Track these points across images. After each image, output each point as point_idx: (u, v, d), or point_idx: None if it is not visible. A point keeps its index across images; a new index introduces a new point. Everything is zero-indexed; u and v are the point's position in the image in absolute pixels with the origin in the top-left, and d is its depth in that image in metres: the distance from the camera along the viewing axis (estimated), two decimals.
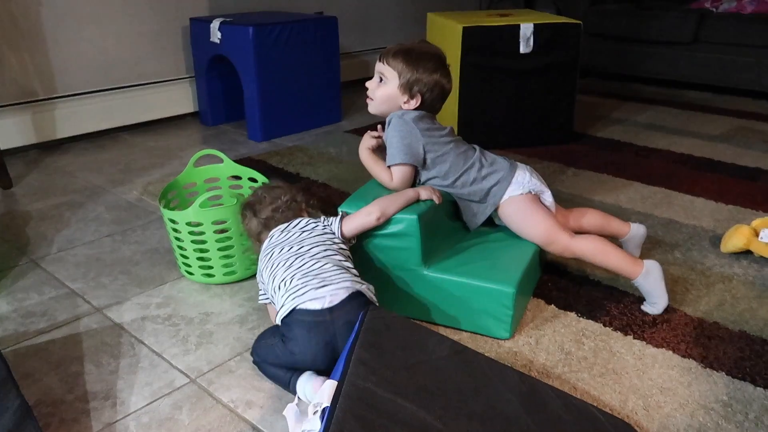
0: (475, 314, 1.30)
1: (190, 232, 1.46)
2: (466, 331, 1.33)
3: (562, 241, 1.40)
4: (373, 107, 1.48)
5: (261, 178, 1.65)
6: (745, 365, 1.22)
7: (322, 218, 1.34)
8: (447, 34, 2.45)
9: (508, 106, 2.45)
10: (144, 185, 2.15)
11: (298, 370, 1.13)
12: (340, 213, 1.33)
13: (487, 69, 2.37)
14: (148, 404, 1.13)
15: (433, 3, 3.98)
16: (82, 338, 1.32)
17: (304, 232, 1.29)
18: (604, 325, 1.35)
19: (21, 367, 1.22)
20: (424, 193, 1.36)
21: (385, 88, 1.43)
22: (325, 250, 1.22)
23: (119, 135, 2.73)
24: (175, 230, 1.48)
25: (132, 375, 1.21)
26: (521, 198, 1.41)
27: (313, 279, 1.14)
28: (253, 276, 1.55)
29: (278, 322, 1.16)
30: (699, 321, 1.36)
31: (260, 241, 1.36)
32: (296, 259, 1.21)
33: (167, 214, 1.47)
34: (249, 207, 1.39)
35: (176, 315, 1.41)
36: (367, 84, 1.48)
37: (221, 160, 1.70)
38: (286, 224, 1.32)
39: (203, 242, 1.47)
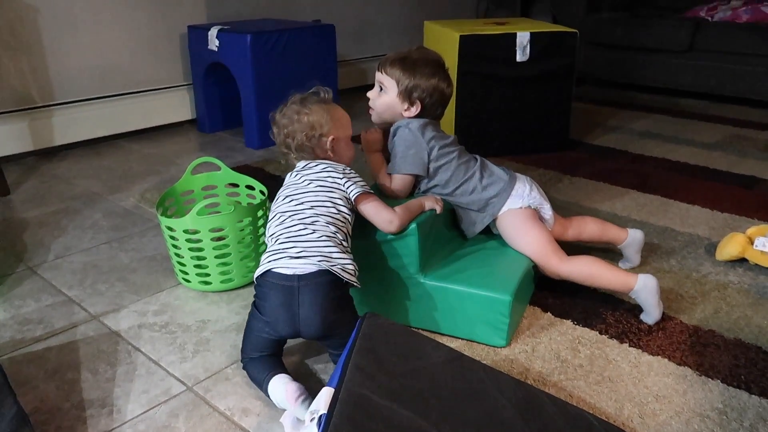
0: (471, 322, 1.31)
1: (188, 240, 1.46)
2: (462, 338, 1.34)
3: (552, 265, 1.41)
4: (376, 116, 1.49)
5: (258, 186, 1.66)
6: (740, 373, 1.22)
7: (344, 172, 1.28)
8: (444, 42, 2.46)
9: (504, 114, 2.46)
10: (141, 192, 2.16)
11: (274, 371, 1.13)
12: (362, 189, 1.27)
13: (484, 77, 2.38)
14: (144, 412, 1.13)
15: (430, 11, 4.00)
16: (78, 346, 1.32)
17: (314, 183, 1.26)
18: (600, 333, 1.35)
19: (18, 375, 1.22)
20: (428, 203, 1.36)
21: (385, 97, 1.44)
22: (321, 215, 1.21)
23: (117, 142, 2.74)
24: (173, 238, 1.48)
25: (129, 383, 1.20)
26: (519, 212, 1.42)
27: (293, 246, 1.16)
28: (250, 283, 1.55)
29: (254, 279, 1.20)
30: (695, 329, 1.37)
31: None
32: (289, 218, 1.21)
33: (164, 221, 1.47)
34: (278, 126, 1.35)
35: (173, 322, 1.41)
36: (368, 94, 1.49)
37: (219, 168, 1.71)
38: (303, 164, 1.31)
39: (200, 249, 1.47)
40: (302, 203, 1.23)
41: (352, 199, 1.26)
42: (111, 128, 2.71)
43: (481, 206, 1.43)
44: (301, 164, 1.32)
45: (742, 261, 1.65)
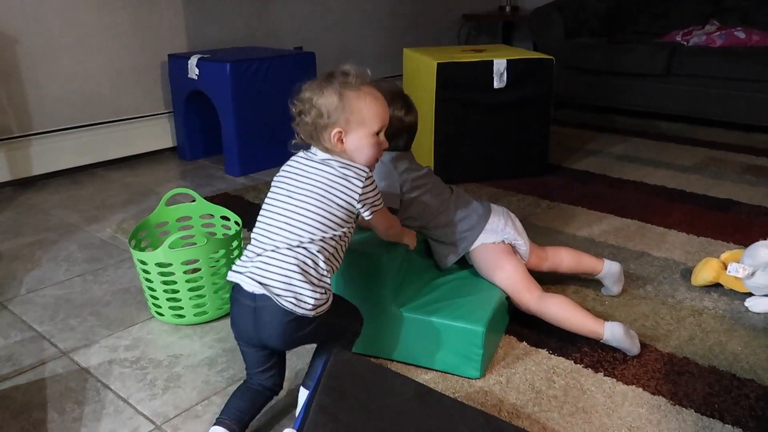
0: (445, 353, 1.30)
1: (160, 273, 1.45)
2: (437, 370, 1.33)
3: (524, 302, 1.41)
4: None
5: (234, 217, 1.65)
6: (713, 402, 1.22)
7: (362, 192, 1.12)
8: (422, 69, 2.48)
9: (483, 140, 2.48)
10: (119, 222, 2.14)
11: (221, 417, 1.10)
12: (375, 210, 1.16)
13: (462, 103, 2.40)
14: None
15: (411, 38, 4.05)
16: (46, 384, 1.30)
17: (324, 191, 1.10)
18: (575, 362, 1.35)
19: None
20: (405, 238, 1.34)
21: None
22: (312, 238, 1.08)
23: (96, 171, 2.72)
24: (145, 271, 1.46)
25: (96, 422, 1.18)
26: (493, 247, 1.42)
27: (261, 265, 1.07)
28: (224, 316, 1.54)
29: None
30: (669, 356, 1.37)
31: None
32: (275, 228, 1.10)
33: (136, 254, 1.46)
34: (299, 100, 1.16)
35: (144, 358, 1.39)
36: None
37: (194, 199, 1.70)
38: (323, 157, 1.14)
39: (173, 283, 1.45)
40: (300, 214, 1.10)
41: (367, 216, 1.16)
42: (90, 157, 2.69)
43: (454, 240, 1.42)
44: (317, 154, 1.16)
45: (717, 286, 1.66)
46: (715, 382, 1.28)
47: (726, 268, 1.60)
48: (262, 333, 1.09)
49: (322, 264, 1.09)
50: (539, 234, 1.98)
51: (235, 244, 1.52)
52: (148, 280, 1.47)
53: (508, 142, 2.50)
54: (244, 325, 1.10)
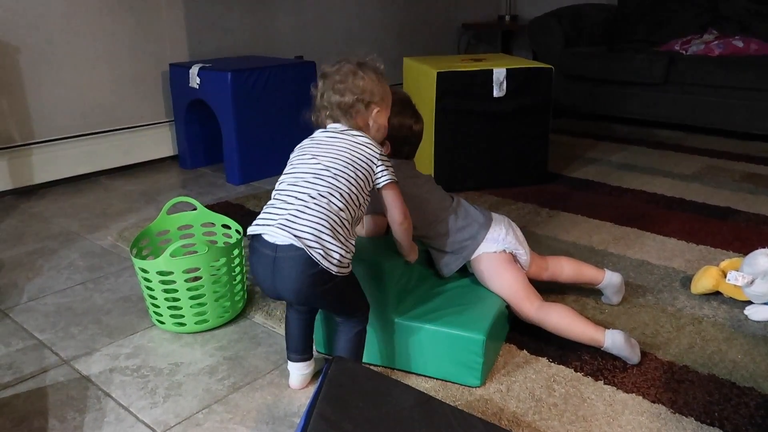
0: (445, 362, 1.30)
1: (161, 281, 1.45)
2: (437, 378, 1.33)
3: (524, 311, 1.41)
4: None
5: (234, 225, 1.66)
6: (713, 410, 1.22)
7: (380, 156, 1.21)
8: (422, 78, 2.50)
9: (482, 149, 2.49)
10: (119, 231, 2.15)
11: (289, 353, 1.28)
12: (392, 179, 1.22)
13: (462, 112, 2.41)
14: None
15: (411, 47, 4.07)
16: (47, 392, 1.30)
17: (348, 152, 1.19)
18: (575, 371, 1.35)
19: None
20: (409, 252, 1.36)
21: None
22: (337, 189, 1.14)
23: (98, 179, 2.73)
24: (146, 279, 1.47)
25: (96, 430, 1.18)
26: (494, 256, 1.42)
27: (286, 215, 1.13)
28: (225, 324, 1.54)
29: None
30: (669, 365, 1.37)
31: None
32: (304, 181, 1.16)
33: (138, 263, 1.47)
34: (328, 79, 1.27)
35: (145, 366, 1.39)
36: None
37: (195, 207, 1.71)
38: (341, 128, 1.24)
39: (174, 291, 1.46)
40: (326, 168, 1.17)
41: (379, 185, 1.22)
42: (92, 166, 2.71)
43: (455, 249, 1.43)
44: (337, 126, 1.25)
45: (716, 294, 1.66)
46: (715, 391, 1.28)
47: (725, 277, 1.60)
48: (279, 284, 1.14)
49: (347, 224, 1.15)
50: (539, 242, 1.99)
51: (236, 252, 1.52)
52: (149, 288, 1.48)
53: (507, 151, 2.52)
54: (262, 274, 1.15)
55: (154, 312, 1.52)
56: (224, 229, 1.71)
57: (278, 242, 1.12)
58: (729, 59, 3.31)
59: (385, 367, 1.36)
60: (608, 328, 1.38)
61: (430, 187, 1.47)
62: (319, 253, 1.10)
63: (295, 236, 1.10)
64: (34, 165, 2.53)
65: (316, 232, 1.11)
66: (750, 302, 1.60)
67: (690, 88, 3.36)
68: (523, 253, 1.47)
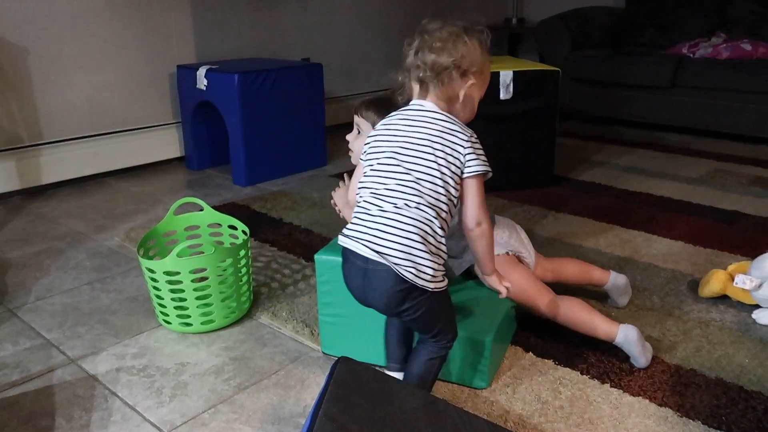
0: (452, 363, 1.30)
1: (168, 282, 1.46)
2: (443, 380, 1.33)
3: (537, 306, 1.41)
4: (355, 158, 1.50)
5: (241, 226, 1.66)
6: (720, 414, 1.22)
7: (470, 139, 1.09)
8: None
9: (489, 151, 2.44)
10: (126, 231, 2.15)
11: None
12: (484, 169, 1.10)
13: None
14: None
15: None
16: (54, 391, 1.30)
17: (432, 143, 1.07)
18: (582, 373, 1.35)
19: None
20: (498, 282, 1.22)
21: (362, 139, 1.45)
22: (424, 194, 1.05)
23: (105, 180, 2.75)
24: (153, 279, 1.47)
25: (103, 429, 1.19)
26: (498, 259, 1.42)
27: (375, 232, 1.05)
28: (231, 325, 1.55)
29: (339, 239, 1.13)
30: (676, 368, 1.36)
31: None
32: (385, 189, 1.07)
33: (145, 263, 1.47)
34: (422, 39, 1.12)
35: (152, 365, 1.39)
36: (347, 137, 1.51)
37: (201, 208, 1.71)
38: (419, 104, 1.12)
39: (181, 291, 1.46)
40: (408, 172, 1.06)
41: (467, 174, 1.09)
42: (99, 167, 2.72)
43: (458, 252, 1.43)
44: (422, 105, 1.12)
45: (724, 298, 1.65)
46: (722, 394, 1.28)
47: (733, 280, 1.59)
48: (369, 293, 1.09)
49: (438, 231, 1.06)
50: (545, 245, 1.99)
51: (242, 253, 1.53)
52: (156, 288, 1.48)
53: (514, 154, 2.51)
54: (354, 282, 1.11)
55: (161, 312, 1.52)
56: (231, 230, 1.71)
57: (369, 256, 1.05)
58: (737, 63, 3.30)
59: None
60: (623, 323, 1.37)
61: None
62: (410, 271, 1.03)
63: (383, 254, 1.04)
64: (42, 166, 2.54)
65: (405, 248, 1.03)
66: (758, 306, 1.59)
67: (697, 91, 3.35)
68: (527, 254, 1.47)
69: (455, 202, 1.10)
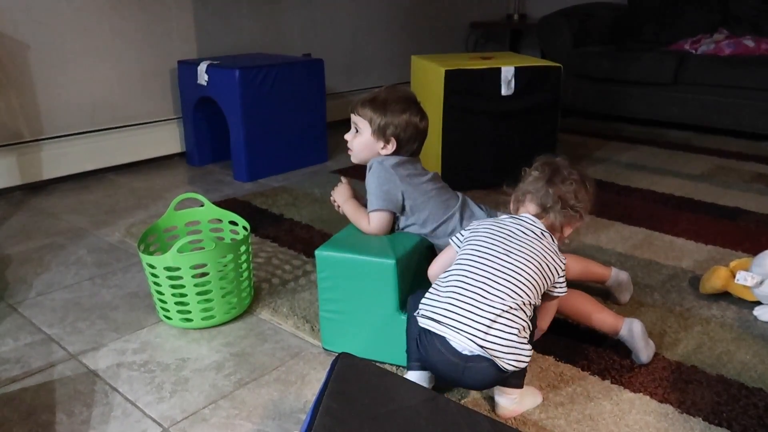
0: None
1: (169, 277, 1.45)
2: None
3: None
4: (354, 157, 1.50)
5: (242, 222, 1.66)
6: (722, 410, 1.22)
7: (562, 267, 1.22)
8: (430, 76, 2.49)
9: (491, 147, 2.48)
10: (127, 227, 2.15)
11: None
12: (564, 293, 1.24)
13: (470, 111, 2.40)
14: None
15: (419, 44, 4.06)
16: (55, 386, 1.30)
17: (538, 257, 1.17)
18: (582, 369, 1.34)
19: None
20: None
21: (361, 138, 1.46)
22: (524, 304, 1.13)
23: (105, 176, 2.74)
24: (154, 275, 1.47)
25: (104, 424, 1.19)
26: None
27: (474, 322, 1.09)
28: (232, 320, 1.55)
29: (418, 316, 1.15)
30: (677, 365, 1.36)
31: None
32: (493, 276, 1.13)
33: (145, 258, 1.47)
34: (557, 171, 1.29)
35: (152, 361, 1.39)
36: (346, 136, 1.50)
37: (202, 204, 1.71)
38: (530, 218, 1.24)
39: (181, 287, 1.46)
40: (514, 275, 1.14)
41: (553, 293, 1.23)
42: (100, 162, 2.72)
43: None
44: (534, 221, 1.25)
45: (725, 295, 1.65)
46: (723, 391, 1.27)
47: (734, 277, 1.59)
48: (467, 383, 1.14)
49: (530, 322, 1.14)
50: None
51: (243, 248, 1.53)
52: (156, 284, 1.48)
53: (515, 150, 2.50)
54: (446, 372, 1.13)
55: (161, 308, 1.52)
56: (231, 225, 1.71)
57: (466, 352, 1.09)
58: (739, 59, 3.29)
59: (391, 365, 1.36)
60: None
61: (436, 185, 1.46)
62: (511, 364, 1.10)
63: (483, 347, 1.08)
64: (43, 161, 2.54)
65: (509, 343, 1.09)
66: (759, 303, 1.59)
67: (700, 88, 3.34)
68: None
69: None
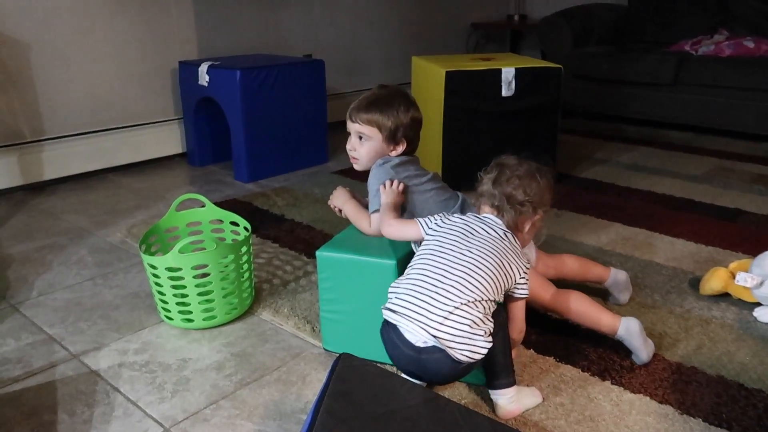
0: None
1: (170, 277, 1.46)
2: None
3: (541, 299, 1.42)
4: (361, 165, 1.48)
5: (243, 223, 1.66)
6: (721, 411, 1.22)
7: (525, 269, 1.22)
8: (430, 77, 2.50)
9: (491, 148, 2.44)
10: (128, 227, 2.16)
11: None
12: (525, 295, 1.24)
13: (470, 112, 2.41)
14: None
15: (420, 45, 4.07)
16: (57, 386, 1.31)
17: (500, 258, 1.18)
18: (582, 370, 1.35)
19: None
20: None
21: (370, 145, 1.43)
22: (482, 301, 1.13)
23: (106, 176, 2.75)
24: (155, 275, 1.48)
25: (105, 424, 1.19)
26: None
27: (429, 315, 1.10)
28: (233, 321, 1.55)
29: (383, 309, 1.17)
30: (677, 366, 1.36)
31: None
32: (450, 271, 1.14)
33: (146, 259, 1.48)
34: (503, 167, 1.30)
35: (153, 361, 1.40)
36: (348, 147, 1.49)
37: (203, 204, 1.72)
38: (493, 221, 1.25)
39: (183, 287, 1.47)
40: (478, 273, 1.15)
41: (514, 294, 1.23)
42: (101, 162, 2.72)
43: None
44: (497, 222, 1.25)
45: (725, 296, 1.65)
46: (723, 392, 1.28)
47: (734, 278, 1.59)
48: (426, 375, 1.15)
49: (488, 318, 1.14)
50: (546, 242, 1.98)
51: (244, 249, 1.53)
52: (157, 284, 1.49)
53: (515, 151, 2.49)
54: (405, 366, 1.15)
55: (163, 308, 1.53)
56: (232, 226, 1.72)
57: (419, 344, 1.10)
58: (740, 60, 3.29)
59: (392, 365, 1.36)
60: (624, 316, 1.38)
61: (435, 185, 1.47)
62: (465, 355, 1.10)
63: (436, 337, 1.09)
64: (44, 161, 2.54)
65: (464, 334, 1.10)
66: (759, 304, 1.59)
67: (700, 88, 3.35)
68: (529, 251, 1.47)
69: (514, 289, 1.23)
